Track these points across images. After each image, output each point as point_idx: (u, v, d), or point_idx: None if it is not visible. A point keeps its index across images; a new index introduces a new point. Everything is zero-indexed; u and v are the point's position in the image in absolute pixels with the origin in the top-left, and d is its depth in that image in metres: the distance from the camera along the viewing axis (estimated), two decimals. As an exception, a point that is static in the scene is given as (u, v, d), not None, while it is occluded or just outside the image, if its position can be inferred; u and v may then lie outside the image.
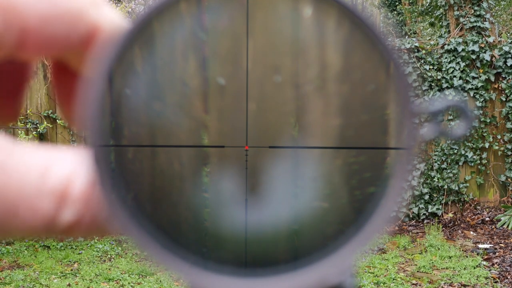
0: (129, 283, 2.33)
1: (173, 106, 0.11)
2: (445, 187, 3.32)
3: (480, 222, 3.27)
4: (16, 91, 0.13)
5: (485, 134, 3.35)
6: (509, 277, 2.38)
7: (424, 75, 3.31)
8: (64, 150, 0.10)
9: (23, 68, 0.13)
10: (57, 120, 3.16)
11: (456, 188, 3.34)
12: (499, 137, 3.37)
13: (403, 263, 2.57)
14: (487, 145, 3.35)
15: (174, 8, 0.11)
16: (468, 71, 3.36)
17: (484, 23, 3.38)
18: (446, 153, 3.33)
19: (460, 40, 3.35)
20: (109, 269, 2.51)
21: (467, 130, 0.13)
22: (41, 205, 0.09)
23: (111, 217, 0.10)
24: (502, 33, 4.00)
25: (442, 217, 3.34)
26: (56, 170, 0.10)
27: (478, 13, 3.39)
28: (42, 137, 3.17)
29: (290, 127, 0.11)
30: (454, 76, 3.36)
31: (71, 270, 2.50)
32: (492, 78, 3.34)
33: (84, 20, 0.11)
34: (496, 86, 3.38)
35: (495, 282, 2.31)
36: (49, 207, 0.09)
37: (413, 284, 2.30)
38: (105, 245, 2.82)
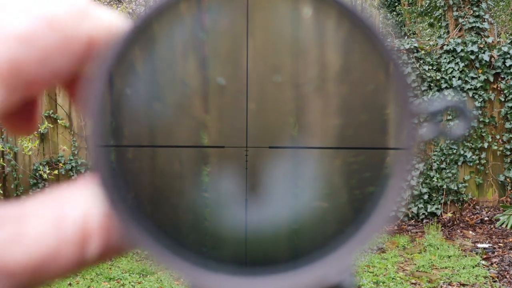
0: (129, 282, 2.33)
1: (173, 106, 0.11)
2: (444, 187, 3.33)
3: (479, 221, 3.28)
4: (32, 105, 0.13)
5: (484, 134, 3.36)
6: (507, 276, 2.39)
7: (423, 75, 3.32)
8: (71, 186, 0.10)
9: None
10: (58, 121, 3.15)
11: (455, 188, 3.34)
12: (498, 137, 3.38)
13: (402, 263, 2.58)
14: (486, 145, 3.36)
15: (174, 8, 0.11)
16: (467, 71, 3.36)
17: (483, 23, 3.38)
18: (445, 153, 3.34)
19: (459, 40, 3.36)
20: (110, 268, 2.50)
21: (466, 130, 0.13)
22: (65, 255, 0.09)
23: (120, 222, 0.10)
24: (501, 34, 4.01)
25: (441, 216, 3.35)
26: (70, 212, 0.10)
27: (477, 13, 3.39)
28: (43, 137, 3.16)
29: (289, 127, 0.11)
30: (453, 77, 3.36)
31: None
32: (491, 79, 3.35)
33: (79, 38, 0.10)
34: (495, 86, 3.39)
35: (494, 281, 2.31)
36: (74, 252, 0.10)
37: (412, 283, 2.30)
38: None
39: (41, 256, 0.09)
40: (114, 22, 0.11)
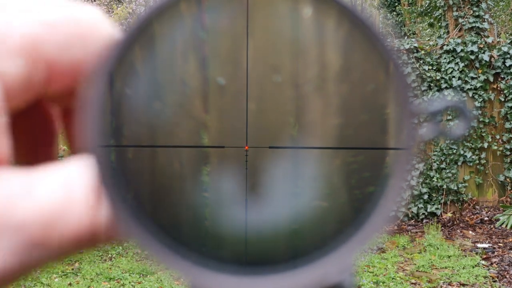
0: (129, 282, 2.32)
1: (173, 106, 0.11)
2: (444, 187, 3.33)
3: (479, 221, 3.28)
4: (49, 138, 0.13)
5: (484, 134, 3.36)
6: (507, 276, 2.39)
7: (423, 75, 3.31)
8: (79, 157, 0.10)
9: (51, 117, 0.13)
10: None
11: (455, 188, 3.34)
12: (497, 137, 3.38)
13: (402, 263, 2.58)
14: (486, 145, 3.36)
15: (175, 8, 0.11)
16: (467, 71, 3.37)
17: (483, 23, 3.38)
18: (445, 153, 3.34)
19: (459, 40, 3.36)
20: (110, 268, 2.50)
21: (466, 130, 0.13)
22: (76, 213, 0.10)
23: (120, 222, 0.10)
24: (501, 34, 4.02)
25: (441, 216, 3.35)
26: (79, 179, 0.10)
27: (477, 13, 3.39)
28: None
29: (289, 127, 0.11)
30: (453, 77, 3.37)
31: (72, 269, 2.49)
32: (491, 79, 3.35)
33: (94, 38, 0.11)
34: (495, 86, 3.39)
35: (494, 281, 2.31)
36: (84, 212, 0.10)
37: (412, 283, 2.31)
38: (105, 244, 2.79)
39: (50, 210, 0.09)
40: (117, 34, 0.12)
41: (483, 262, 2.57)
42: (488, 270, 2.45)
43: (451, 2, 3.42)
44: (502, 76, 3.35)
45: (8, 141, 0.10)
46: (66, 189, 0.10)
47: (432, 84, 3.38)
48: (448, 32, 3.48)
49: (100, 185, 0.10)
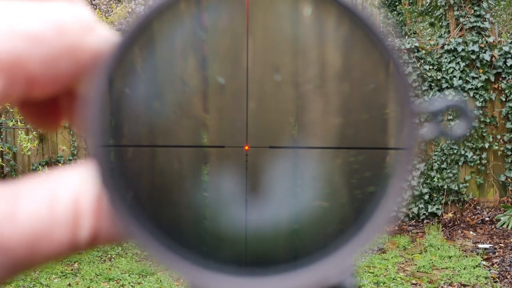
0: (129, 282, 2.32)
1: (173, 106, 0.11)
2: (445, 187, 3.32)
3: (479, 222, 3.28)
4: (55, 102, 0.13)
5: (485, 134, 3.35)
6: (508, 277, 2.38)
7: (424, 75, 3.31)
8: (68, 167, 0.11)
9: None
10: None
11: (456, 188, 3.34)
12: (498, 137, 3.37)
13: (403, 263, 2.57)
14: (487, 145, 3.35)
15: (174, 7, 0.11)
16: (468, 71, 3.36)
17: (484, 23, 3.38)
18: (446, 153, 3.33)
19: (460, 40, 3.35)
20: (109, 268, 2.50)
21: (467, 130, 0.13)
22: (58, 234, 0.10)
23: (120, 222, 0.10)
24: (502, 33, 4.01)
25: (442, 217, 3.34)
26: (63, 194, 0.10)
27: (478, 13, 3.39)
28: (42, 137, 3.17)
29: (290, 126, 0.11)
30: (454, 76, 3.36)
31: (72, 269, 2.49)
32: (492, 78, 3.34)
33: (83, 48, 0.11)
34: (496, 86, 3.38)
35: (495, 282, 2.31)
36: (66, 232, 0.10)
37: (413, 284, 2.30)
38: (105, 245, 2.80)
39: (33, 233, 0.09)
40: (113, 37, 0.11)
41: (484, 262, 2.56)
42: (489, 270, 2.44)
43: (452, 2, 3.41)
44: (503, 76, 3.34)
45: None
46: (50, 207, 0.10)
47: (433, 84, 3.37)
48: (449, 32, 3.47)
49: (98, 189, 0.10)
